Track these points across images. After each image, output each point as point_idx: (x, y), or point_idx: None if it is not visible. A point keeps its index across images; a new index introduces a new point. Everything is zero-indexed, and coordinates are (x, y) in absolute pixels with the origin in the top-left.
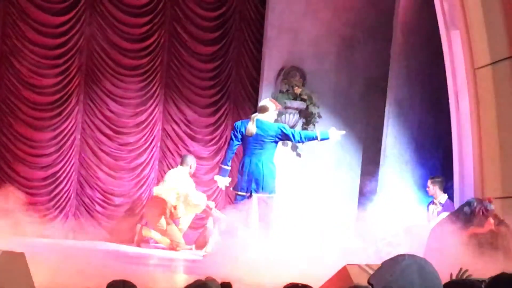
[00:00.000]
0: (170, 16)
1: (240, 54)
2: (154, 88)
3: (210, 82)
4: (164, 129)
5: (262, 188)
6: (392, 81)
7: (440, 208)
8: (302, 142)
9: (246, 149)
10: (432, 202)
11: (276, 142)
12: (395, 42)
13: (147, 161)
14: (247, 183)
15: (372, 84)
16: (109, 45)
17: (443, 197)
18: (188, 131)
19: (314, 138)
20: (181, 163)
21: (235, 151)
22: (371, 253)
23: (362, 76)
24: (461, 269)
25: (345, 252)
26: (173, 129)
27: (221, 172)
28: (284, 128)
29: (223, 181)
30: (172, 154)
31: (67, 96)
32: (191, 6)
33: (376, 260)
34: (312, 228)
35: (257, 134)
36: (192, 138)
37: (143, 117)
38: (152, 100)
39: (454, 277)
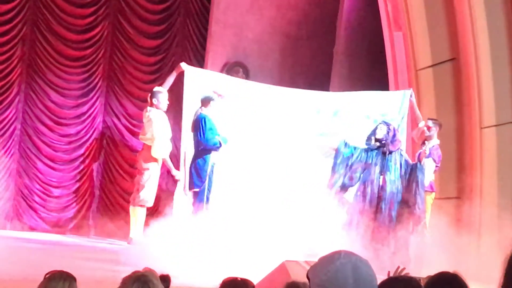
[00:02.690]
0: (115, 8)
1: (184, 48)
2: (96, 80)
3: (152, 76)
4: (105, 122)
5: None
6: (335, 79)
7: (427, 152)
8: None
9: None
10: (423, 143)
11: None
12: (339, 41)
13: (87, 153)
14: None
15: (315, 82)
16: (52, 35)
17: (436, 142)
18: (128, 124)
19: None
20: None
21: None
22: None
23: (305, 74)
24: (398, 267)
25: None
26: (114, 122)
27: None
28: None
29: None
30: (112, 146)
31: (9, 85)
32: None
33: None
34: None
35: None
36: (132, 132)
37: (84, 109)
38: (93, 92)
39: (391, 275)
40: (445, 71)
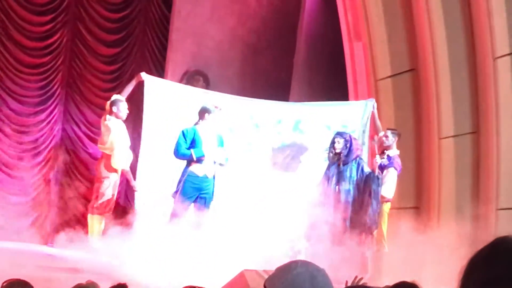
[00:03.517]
0: (73, 15)
1: (143, 56)
2: (54, 88)
3: (112, 84)
4: (64, 129)
5: None
6: (295, 89)
7: (386, 161)
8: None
9: None
10: (382, 153)
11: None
12: (299, 51)
13: (45, 160)
14: None
15: (275, 91)
16: (11, 42)
17: (395, 152)
18: (87, 132)
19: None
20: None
21: None
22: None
23: (265, 82)
24: (356, 277)
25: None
26: (73, 130)
27: None
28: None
29: None
30: (71, 154)
31: None
32: (95, 6)
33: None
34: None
35: None
36: (91, 139)
37: (42, 116)
38: (52, 100)
39: (349, 284)
40: (404, 81)
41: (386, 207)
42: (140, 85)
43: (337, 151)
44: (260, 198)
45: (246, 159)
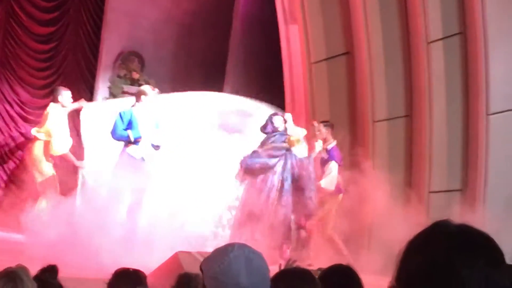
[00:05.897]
0: None
1: (78, 36)
2: None
3: (45, 64)
4: None
5: None
6: (230, 71)
7: (326, 155)
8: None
9: None
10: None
11: None
12: (234, 33)
13: None
14: None
15: (211, 73)
16: None
17: (332, 143)
18: (21, 111)
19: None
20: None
21: None
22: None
23: (201, 64)
24: (290, 259)
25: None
26: (6, 109)
27: None
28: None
29: None
30: (3, 134)
31: None
32: None
33: None
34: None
35: None
36: (25, 119)
37: None
38: None
39: (283, 267)
40: (339, 64)
41: (338, 198)
42: None
43: (276, 125)
44: (199, 176)
45: (189, 127)
